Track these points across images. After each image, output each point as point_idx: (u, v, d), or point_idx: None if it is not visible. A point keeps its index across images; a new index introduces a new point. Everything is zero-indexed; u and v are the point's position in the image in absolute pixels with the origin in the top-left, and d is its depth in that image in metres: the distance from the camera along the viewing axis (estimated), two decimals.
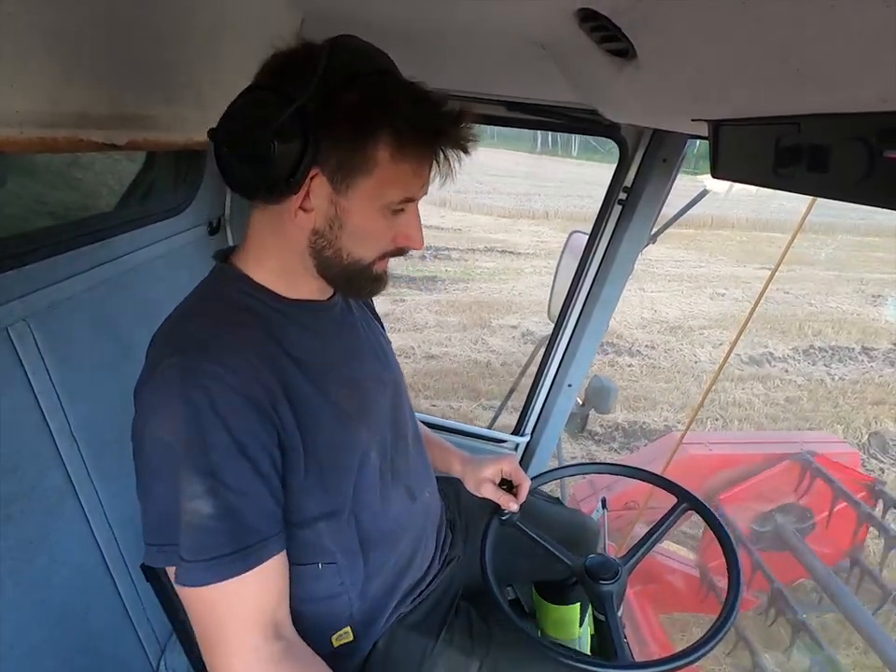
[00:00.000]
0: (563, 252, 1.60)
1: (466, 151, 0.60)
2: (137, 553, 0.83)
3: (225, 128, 0.56)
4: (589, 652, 1.07)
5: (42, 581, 0.83)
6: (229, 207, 1.44)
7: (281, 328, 0.64)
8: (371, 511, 0.72)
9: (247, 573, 0.55)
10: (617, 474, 1.06)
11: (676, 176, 1.33)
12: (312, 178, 0.56)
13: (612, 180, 1.36)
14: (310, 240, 0.61)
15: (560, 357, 1.59)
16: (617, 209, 1.38)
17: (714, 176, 0.71)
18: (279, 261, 0.65)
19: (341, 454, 0.67)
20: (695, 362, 5.97)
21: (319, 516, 0.66)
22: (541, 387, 1.64)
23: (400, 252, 0.67)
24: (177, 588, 0.56)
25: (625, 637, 0.99)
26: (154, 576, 0.72)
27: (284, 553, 0.60)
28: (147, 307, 1.11)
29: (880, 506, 2.86)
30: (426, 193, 0.64)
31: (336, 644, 0.74)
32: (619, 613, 0.88)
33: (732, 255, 10.27)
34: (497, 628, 0.85)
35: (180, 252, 1.24)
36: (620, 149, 1.32)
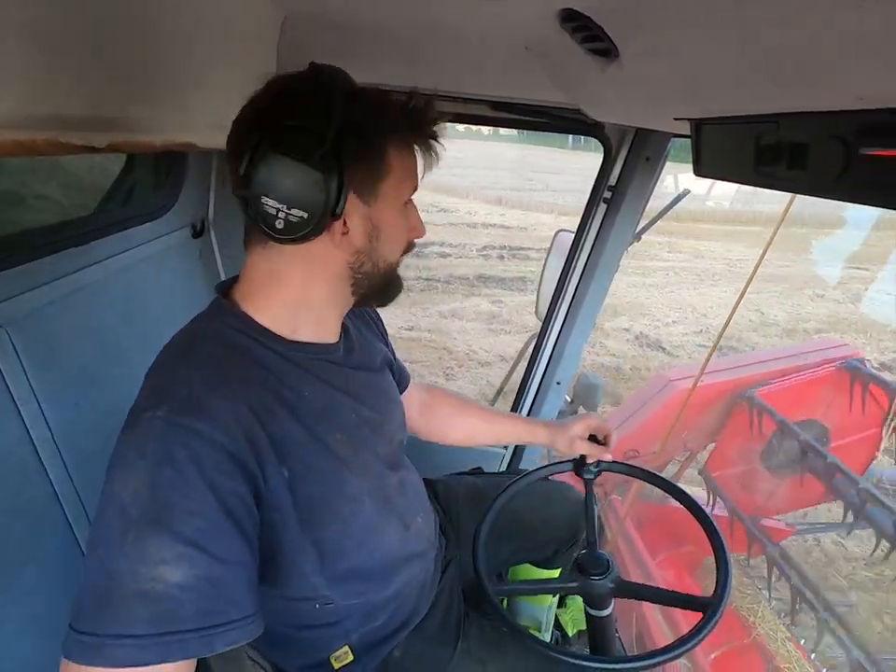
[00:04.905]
0: (549, 251, 1.61)
1: (439, 136, 0.66)
2: None
3: (263, 179, 0.55)
4: (573, 648, 1.08)
5: (29, 595, 0.81)
6: (212, 209, 1.43)
7: (279, 371, 0.62)
8: (366, 550, 0.71)
9: (184, 662, 0.48)
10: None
11: (660, 174, 1.35)
12: (346, 200, 0.58)
13: (597, 179, 1.37)
14: (349, 261, 0.63)
15: (549, 356, 1.60)
16: (602, 208, 1.39)
17: (697, 174, 0.72)
18: (299, 299, 0.64)
19: (334, 501, 0.65)
20: None
21: (313, 572, 0.65)
22: (531, 385, 1.64)
23: (412, 247, 0.71)
24: (72, 667, 0.47)
25: (617, 632, 1.00)
26: None
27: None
28: (131, 311, 1.10)
29: None
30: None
31: (336, 665, 0.73)
32: (610, 608, 0.89)
33: (817, 253, 9.85)
34: (510, 635, 0.85)
35: (163, 255, 1.23)
36: (604, 148, 1.33)
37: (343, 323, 0.73)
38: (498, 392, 2.26)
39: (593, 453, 0.99)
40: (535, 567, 1.11)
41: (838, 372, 2.94)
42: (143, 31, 0.60)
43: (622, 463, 1.01)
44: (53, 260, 0.88)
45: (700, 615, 0.75)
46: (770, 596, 2.71)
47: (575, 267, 1.47)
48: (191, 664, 0.50)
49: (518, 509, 1.02)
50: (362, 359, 0.76)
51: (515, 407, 1.70)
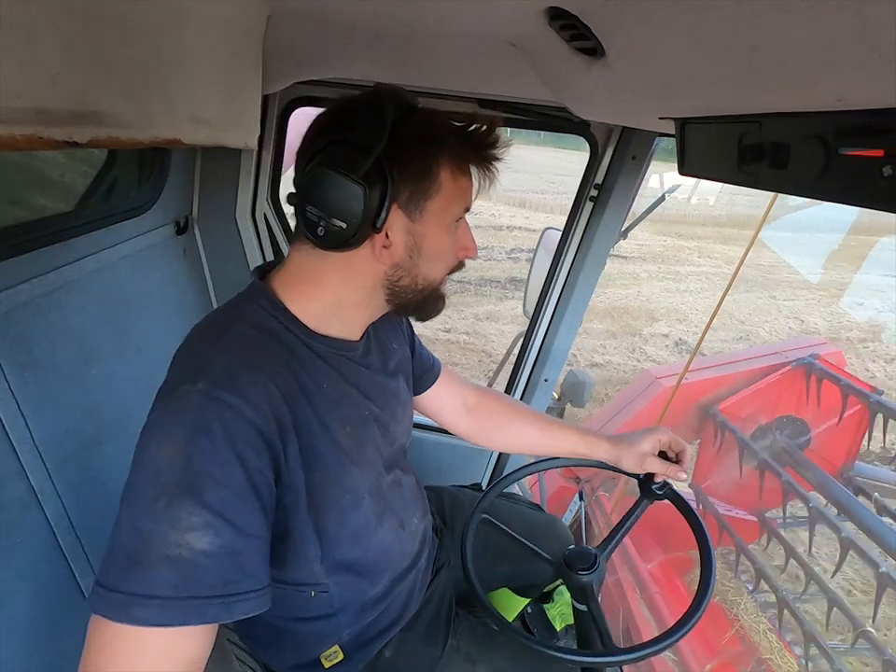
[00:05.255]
0: (537, 248, 1.62)
1: (500, 159, 0.66)
2: None
3: (308, 189, 0.59)
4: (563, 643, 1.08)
5: (8, 598, 0.79)
6: (196, 206, 1.41)
7: (304, 360, 0.64)
8: (362, 544, 0.72)
9: (204, 629, 0.51)
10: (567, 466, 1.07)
11: (645, 173, 1.36)
12: (390, 215, 0.60)
13: (583, 177, 1.38)
14: (387, 273, 0.65)
15: (536, 353, 1.61)
16: (589, 206, 1.40)
17: (681, 173, 0.73)
18: (335, 298, 0.66)
19: (335, 490, 0.66)
20: (871, 377, 5.45)
21: (315, 557, 0.66)
22: (518, 382, 1.65)
23: (461, 266, 0.72)
24: (101, 624, 0.49)
25: (604, 625, 1.01)
26: None
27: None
28: (112, 310, 1.08)
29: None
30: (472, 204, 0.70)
31: (326, 665, 0.74)
32: (597, 602, 0.90)
33: (849, 260, 9.58)
34: (499, 633, 0.85)
35: (146, 253, 1.21)
36: (590, 146, 1.34)
37: (367, 327, 0.75)
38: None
39: (667, 472, 0.91)
40: (511, 592, 1.10)
41: (795, 370, 2.99)
42: (127, 26, 0.59)
43: (681, 498, 0.92)
44: (31, 258, 0.86)
45: (686, 609, 0.76)
46: (753, 591, 2.77)
47: (562, 264, 1.48)
48: (208, 630, 0.52)
49: (516, 529, 0.99)
50: (378, 361, 0.78)
51: None
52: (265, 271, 0.70)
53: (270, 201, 1.54)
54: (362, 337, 0.73)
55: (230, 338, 0.61)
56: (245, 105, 0.94)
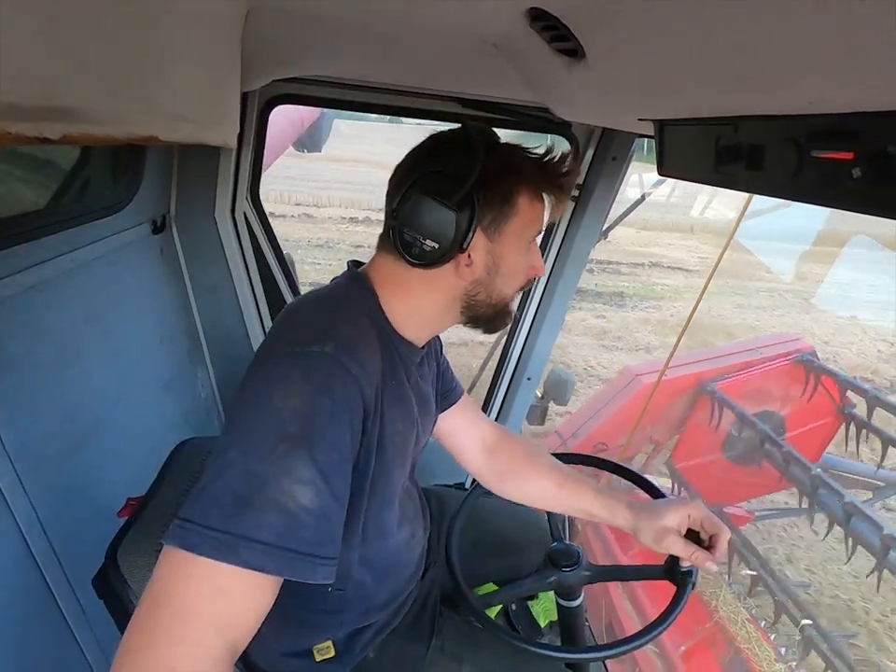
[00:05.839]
0: None
1: (572, 188, 0.75)
2: (82, 570, 0.79)
3: (407, 213, 0.65)
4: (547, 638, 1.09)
5: None
6: (174, 204, 1.38)
7: (388, 353, 0.69)
8: (384, 545, 0.75)
9: (277, 583, 0.53)
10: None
11: (626, 173, 1.38)
12: (474, 236, 0.66)
13: None
14: (467, 288, 0.70)
15: (519, 352, 1.62)
16: (570, 206, 1.41)
17: (660, 174, 0.74)
18: (418, 305, 0.72)
19: (385, 485, 0.69)
20: None
21: (356, 545, 0.68)
22: (501, 381, 1.66)
23: (529, 283, 0.77)
24: (190, 557, 0.48)
25: (587, 621, 1.03)
26: (109, 591, 0.68)
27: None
28: (87, 310, 1.05)
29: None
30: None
31: (317, 658, 0.74)
32: (581, 598, 0.91)
33: None
34: (482, 631, 0.85)
35: (121, 252, 1.18)
36: (571, 147, 1.35)
37: None
38: (469, 389, 2.28)
39: (691, 559, 0.76)
40: (494, 587, 1.10)
41: (793, 366, 3.09)
42: (100, 19, 0.58)
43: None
44: (1, 258, 0.84)
45: (666, 605, 0.77)
46: (730, 581, 2.83)
47: (544, 263, 1.50)
48: (278, 586, 0.53)
49: (498, 528, 1.00)
50: (425, 370, 0.82)
51: (487, 403, 1.72)
52: (358, 263, 0.76)
53: (250, 200, 1.52)
54: (425, 346, 0.78)
55: (346, 313, 0.67)
56: (224, 101, 0.93)
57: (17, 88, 0.45)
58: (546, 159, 0.70)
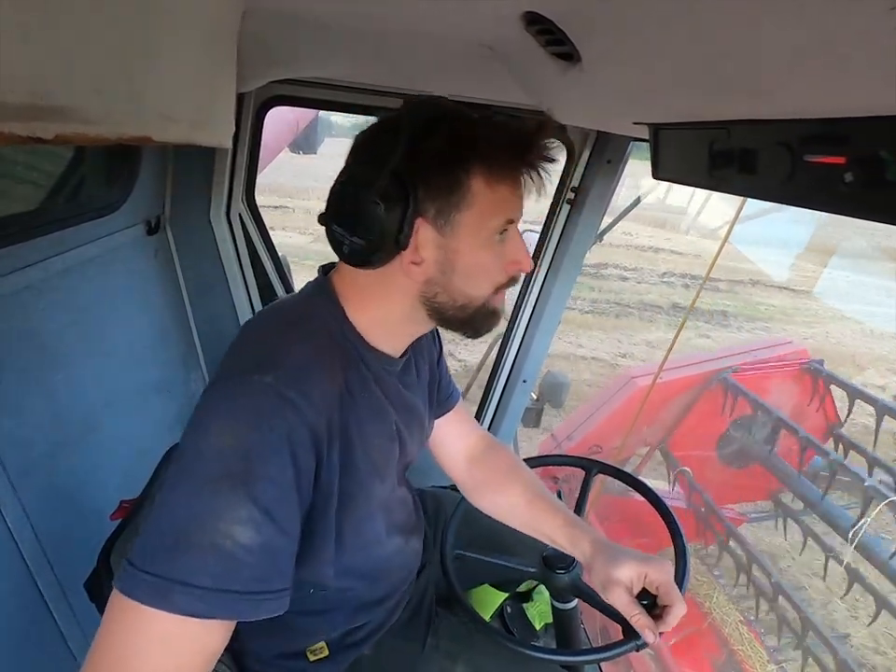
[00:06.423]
0: None
1: (552, 160, 0.61)
2: (74, 573, 0.78)
3: (332, 208, 0.60)
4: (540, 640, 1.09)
5: None
6: (168, 206, 1.37)
7: (355, 368, 0.65)
8: (370, 555, 0.73)
9: (228, 624, 0.51)
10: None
11: (621, 177, 1.39)
12: (417, 230, 0.58)
13: (560, 180, 1.40)
14: (422, 290, 0.63)
15: (514, 354, 1.62)
16: (566, 208, 1.42)
17: (655, 177, 0.74)
18: (381, 313, 0.66)
19: (360, 501, 0.66)
20: None
21: (328, 560, 0.66)
22: (497, 384, 1.66)
23: (513, 281, 0.67)
24: (130, 606, 0.47)
25: (583, 624, 1.03)
26: (101, 595, 0.67)
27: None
28: (79, 313, 1.04)
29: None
30: (521, 213, 0.65)
31: (311, 658, 0.74)
32: (576, 601, 0.91)
33: None
34: (478, 631, 0.84)
35: (115, 253, 1.17)
36: (566, 150, 1.36)
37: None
38: (466, 390, 2.28)
39: (633, 620, 0.70)
40: (491, 588, 1.09)
41: (801, 372, 3.11)
42: (92, 18, 0.57)
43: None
44: None
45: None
46: (724, 583, 2.84)
47: (540, 266, 1.50)
48: (230, 626, 0.52)
49: (494, 530, 0.98)
50: (410, 378, 0.78)
51: (482, 405, 1.72)
52: (327, 269, 0.70)
53: (245, 201, 1.51)
54: (404, 353, 0.73)
55: (302, 334, 0.61)
56: (219, 102, 0.92)
57: (8, 87, 0.45)
58: (508, 131, 0.59)
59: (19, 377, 0.88)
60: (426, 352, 0.84)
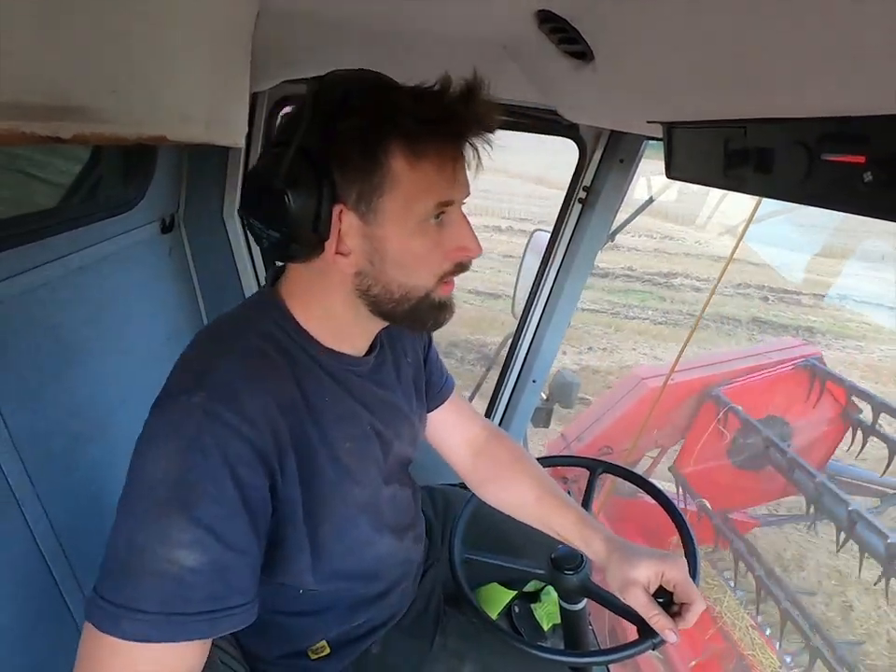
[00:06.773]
0: (525, 250, 1.63)
1: (489, 130, 0.55)
2: (90, 565, 0.79)
3: (244, 199, 0.57)
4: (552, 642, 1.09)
5: None
6: (183, 204, 1.39)
7: (309, 374, 0.62)
8: (357, 558, 0.72)
9: (195, 642, 0.50)
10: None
11: (633, 176, 1.38)
12: (339, 219, 0.54)
13: (572, 179, 1.39)
14: (355, 283, 0.58)
15: (524, 354, 1.61)
16: (577, 208, 1.41)
17: (669, 177, 0.74)
18: (324, 311, 0.62)
19: (334, 506, 0.65)
20: None
21: (305, 567, 0.65)
22: (507, 383, 1.66)
23: (461, 268, 0.61)
24: (93, 633, 0.48)
25: (591, 625, 1.02)
26: None
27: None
28: (94, 310, 1.06)
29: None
30: (468, 193, 0.59)
31: (312, 657, 0.74)
32: (584, 602, 0.91)
33: None
34: (486, 630, 0.84)
35: (130, 251, 1.19)
36: (578, 149, 1.35)
37: (379, 339, 0.72)
38: (476, 388, 2.27)
39: (652, 621, 0.68)
40: (499, 586, 1.09)
41: (797, 371, 3.07)
42: (108, 19, 0.58)
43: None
44: (11, 255, 0.84)
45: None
46: (735, 587, 2.81)
47: (551, 266, 1.49)
48: (195, 645, 0.51)
49: (502, 529, 0.98)
50: (388, 376, 0.75)
51: (491, 405, 1.71)
52: (276, 275, 0.66)
53: None
54: (372, 351, 0.70)
55: (233, 347, 0.58)
56: (233, 102, 0.93)
57: (25, 88, 0.46)
58: (432, 97, 0.52)
59: (36, 372, 0.90)
60: (408, 347, 0.80)
